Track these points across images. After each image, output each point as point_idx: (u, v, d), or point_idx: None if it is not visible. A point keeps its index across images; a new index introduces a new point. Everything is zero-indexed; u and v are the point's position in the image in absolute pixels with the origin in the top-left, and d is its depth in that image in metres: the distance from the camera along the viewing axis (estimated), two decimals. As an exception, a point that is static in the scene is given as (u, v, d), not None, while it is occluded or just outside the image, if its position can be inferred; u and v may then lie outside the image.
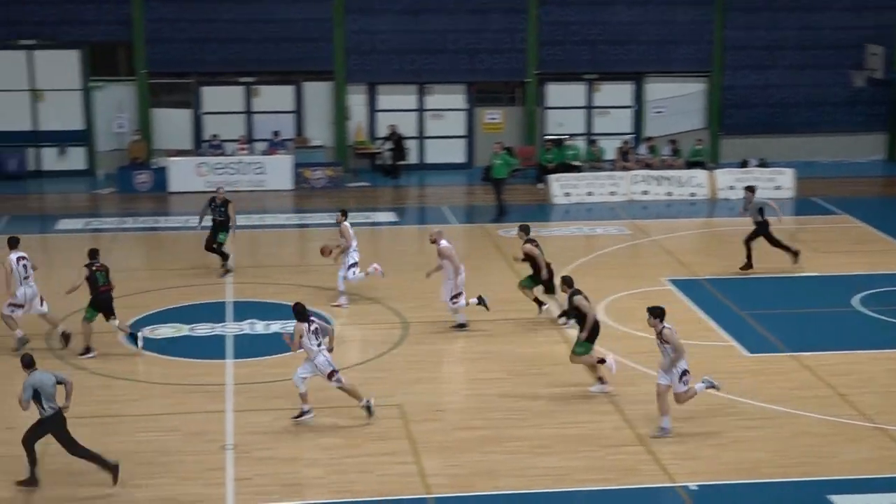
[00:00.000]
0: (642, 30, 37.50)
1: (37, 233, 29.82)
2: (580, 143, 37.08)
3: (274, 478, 16.24)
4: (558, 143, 36.20)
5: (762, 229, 25.93)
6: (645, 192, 33.90)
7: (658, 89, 38.22)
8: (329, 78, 36.70)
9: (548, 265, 22.54)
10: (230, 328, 22.51)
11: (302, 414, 17.98)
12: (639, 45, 37.59)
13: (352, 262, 23.68)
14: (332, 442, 17.32)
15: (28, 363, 15.88)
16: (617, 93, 38.39)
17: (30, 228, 30.01)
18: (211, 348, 21.40)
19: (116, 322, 21.03)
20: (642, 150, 36.56)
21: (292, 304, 18.02)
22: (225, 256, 25.78)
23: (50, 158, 35.83)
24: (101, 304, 20.77)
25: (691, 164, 35.58)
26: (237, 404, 18.83)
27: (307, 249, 29.53)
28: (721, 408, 18.34)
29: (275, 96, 36.78)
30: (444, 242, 21.99)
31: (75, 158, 35.89)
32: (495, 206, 31.55)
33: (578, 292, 19.21)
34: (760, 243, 25.99)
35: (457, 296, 21.89)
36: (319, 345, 17.73)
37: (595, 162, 36.19)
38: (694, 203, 33.64)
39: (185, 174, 34.11)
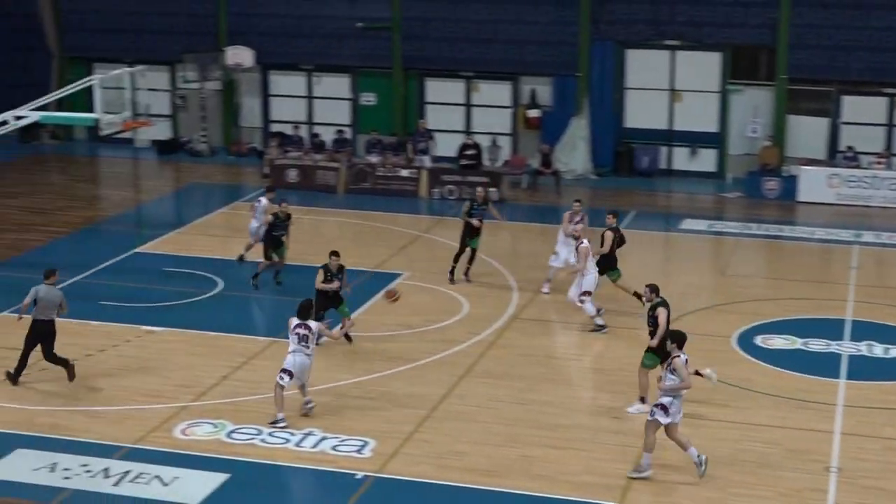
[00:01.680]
0: None
1: (661, 230, 30.21)
2: None
3: (879, 511, 15.21)
4: None
5: None
6: None
7: None
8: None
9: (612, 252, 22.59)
10: (846, 347, 21.43)
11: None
12: None
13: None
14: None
15: (46, 275, 19.00)
16: None
17: (654, 225, 30.49)
18: (824, 365, 20.48)
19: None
20: None
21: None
22: (471, 262, 24.87)
23: (681, 158, 36.17)
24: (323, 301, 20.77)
25: None
26: (846, 427, 17.84)
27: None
28: None
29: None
30: (584, 242, 22.18)
31: (706, 160, 35.96)
32: None
33: (662, 304, 18.24)
34: None
35: (586, 294, 21.86)
36: (301, 346, 17.54)
37: None
38: None
39: (816, 184, 33.08)
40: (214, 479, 16.12)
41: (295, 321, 17.79)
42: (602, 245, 22.75)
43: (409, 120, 36.95)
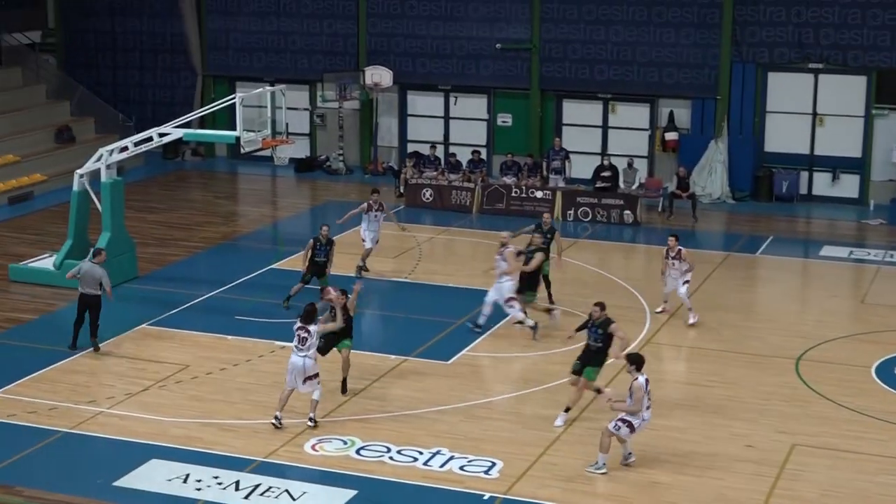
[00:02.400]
0: None
1: (799, 257, 29.62)
2: None
3: None
4: None
5: None
6: None
7: None
8: None
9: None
10: None
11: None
12: None
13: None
14: None
15: (93, 254, 21.84)
16: None
17: (793, 251, 29.89)
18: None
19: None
20: None
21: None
22: (548, 284, 24.36)
23: (822, 184, 35.42)
24: None
25: None
26: None
27: None
28: None
29: None
30: (510, 248, 22.53)
31: (847, 186, 35.16)
32: None
33: (611, 321, 18.73)
34: None
35: (511, 300, 22.39)
36: (297, 348, 18.11)
37: None
38: None
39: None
40: (342, 496, 16.23)
41: (298, 324, 18.27)
42: (527, 264, 22.87)
43: (545, 141, 36.84)
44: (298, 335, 18.24)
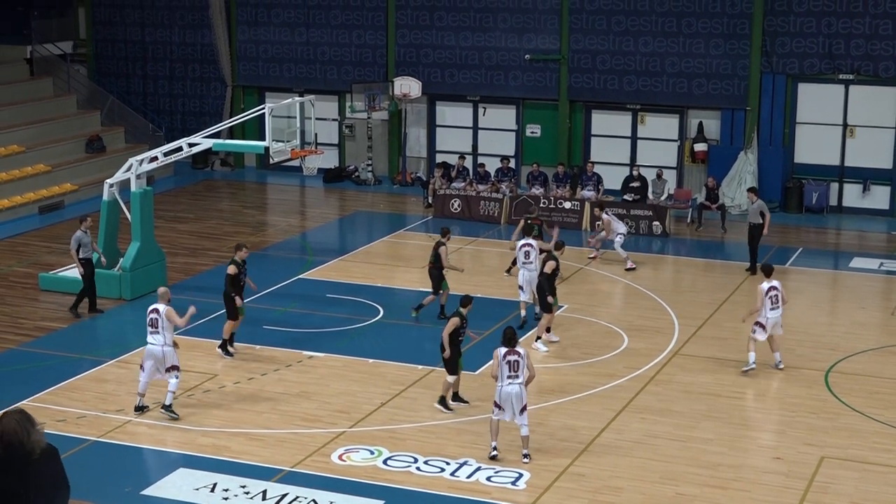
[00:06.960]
0: None
1: (829, 268, 29.46)
2: None
3: None
4: None
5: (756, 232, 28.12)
6: None
7: None
8: None
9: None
10: None
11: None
12: None
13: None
14: None
15: (80, 220, 24.71)
16: None
17: (823, 263, 29.75)
18: None
19: None
20: None
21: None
22: None
23: (852, 195, 35.25)
24: None
25: None
26: None
27: None
28: None
29: None
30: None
31: (878, 197, 34.97)
32: None
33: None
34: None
35: None
36: (509, 377, 17.11)
37: None
38: None
39: None
40: (369, 506, 16.25)
41: (503, 350, 17.33)
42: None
43: (574, 152, 36.83)
44: (508, 361, 17.20)
